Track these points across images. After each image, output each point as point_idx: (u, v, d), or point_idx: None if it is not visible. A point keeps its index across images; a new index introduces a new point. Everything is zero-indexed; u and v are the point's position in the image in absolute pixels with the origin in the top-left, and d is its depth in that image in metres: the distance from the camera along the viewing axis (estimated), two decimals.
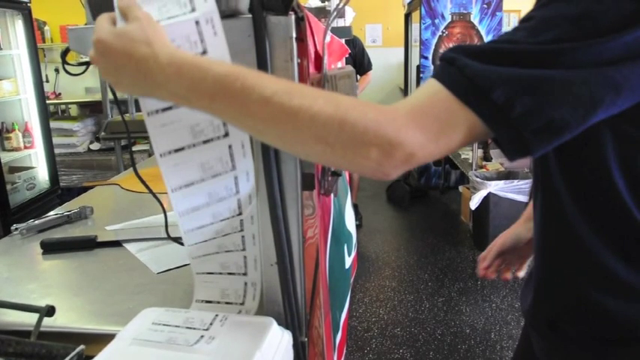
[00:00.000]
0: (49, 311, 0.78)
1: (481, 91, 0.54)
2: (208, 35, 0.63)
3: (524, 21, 0.59)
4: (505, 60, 0.55)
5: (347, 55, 1.60)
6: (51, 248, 1.20)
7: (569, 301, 0.75)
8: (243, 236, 0.74)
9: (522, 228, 1.06)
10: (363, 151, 0.53)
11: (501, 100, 0.53)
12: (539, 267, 0.81)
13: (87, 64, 0.90)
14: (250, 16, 0.68)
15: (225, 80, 0.55)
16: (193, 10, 0.63)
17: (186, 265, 0.97)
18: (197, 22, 0.62)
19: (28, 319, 0.77)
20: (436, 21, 5.16)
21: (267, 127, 0.56)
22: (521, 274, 1.09)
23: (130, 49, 0.58)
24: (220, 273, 0.77)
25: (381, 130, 0.53)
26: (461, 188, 4.44)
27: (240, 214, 0.73)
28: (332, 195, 1.03)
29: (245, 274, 0.76)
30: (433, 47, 5.24)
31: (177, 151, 0.69)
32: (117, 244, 1.21)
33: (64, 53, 0.85)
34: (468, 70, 0.55)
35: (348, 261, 1.28)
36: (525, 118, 0.53)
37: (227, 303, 0.76)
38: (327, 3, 2.61)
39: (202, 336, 0.68)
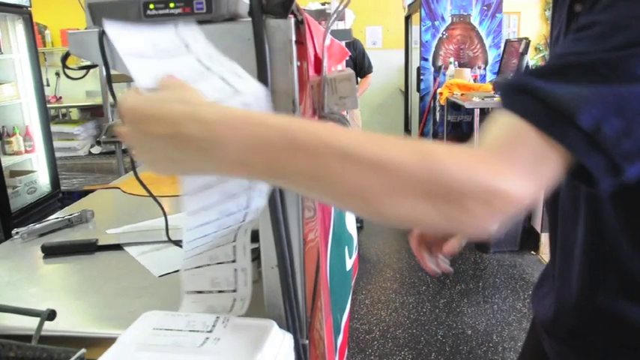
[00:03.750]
0: (50, 315, 0.78)
1: (563, 118, 0.47)
2: None
3: (582, 29, 0.54)
4: (580, 76, 0.49)
5: (347, 58, 1.60)
6: (52, 252, 1.20)
7: (596, 312, 0.75)
8: (234, 247, 0.74)
9: None
10: (461, 203, 0.46)
11: (587, 125, 0.47)
12: (563, 277, 0.80)
13: (87, 68, 0.90)
14: (250, 19, 0.68)
15: (291, 134, 0.47)
16: (237, 92, 0.57)
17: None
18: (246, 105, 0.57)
19: (29, 323, 0.77)
20: (436, 23, 5.17)
21: (348, 186, 0.47)
22: (451, 248, 0.99)
23: (161, 110, 0.50)
24: (211, 289, 0.76)
25: (479, 178, 0.46)
26: None
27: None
28: None
29: (234, 290, 0.75)
30: (433, 49, 5.25)
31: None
32: (118, 247, 1.21)
33: (65, 57, 0.85)
34: (544, 95, 0.49)
35: (349, 263, 1.28)
36: (616, 143, 0.47)
37: (219, 292, 0.76)
38: (327, 6, 2.62)
39: (207, 338, 0.68)
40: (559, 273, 0.82)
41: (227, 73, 0.60)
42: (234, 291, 0.74)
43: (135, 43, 0.60)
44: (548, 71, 0.52)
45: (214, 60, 0.62)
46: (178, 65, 0.60)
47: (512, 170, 0.47)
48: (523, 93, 0.50)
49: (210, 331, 0.69)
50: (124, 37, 0.60)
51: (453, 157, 0.46)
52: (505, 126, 0.50)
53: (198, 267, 0.74)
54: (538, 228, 3.67)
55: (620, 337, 0.73)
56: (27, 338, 0.74)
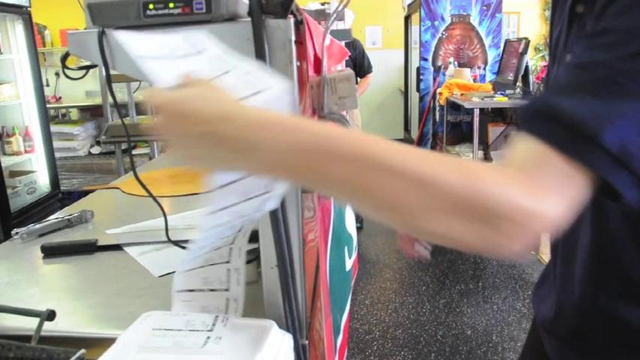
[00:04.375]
0: (50, 315, 0.78)
1: (587, 140, 0.47)
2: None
3: (595, 36, 0.53)
4: (599, 90, 0.49)
5: (347, 58, 1.60)
6: (51, 252, 1.20)
7: (597, 313, 0.75)
8: (231, 248, 0.73)
9: None
10: (497, 224, 0.45)
11: (611, 145, 0.47)
12: (564, 278, 0.80)
13: (86, 68, 0.90)
14: (249, 19, 0.68)
15: (331, 143, 0.47)
16: (259, 90, 0.56)
17: None
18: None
19: (29, 324, 0.77)
20: (436, 23, 5.17)
21: (387, 199, 0.47)
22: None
23: (196, 108, 0.50)
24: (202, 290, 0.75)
25: (517, 200, 0.46)
26: None
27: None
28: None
29: (227, 289, 0.74)
30: (433, 49, 5.25)
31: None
32: (117, 247, 1.21)
33: (64, 58, 0.85)
34: (566, 119, 0.48)
35: (349, 263, 1.28)
36: None
37: (211, 290, 0.75)
38: (326, 6, 2.62)
39: (209, 337, 0.68)
40: (560, 274, 0.82)
41: (247, 70, 0.59)
42: (227, 290, 0.74)
43: (147, 47, 0.59)
44: (567, 87, 0.51)
45: (231, 59, 0.61)
46: (196, 64, 0.59)
47: (545, 192, 0.47)
48: (546, 118, 0.50)
49: (211, 330, 0.69)
50: (134, 41, 0.60)
51: (492, 177, 0.46)
52: (531, 150, 0.49)
53: (192, 270, 0.74)
54: None
55: (621, 338, 0.73)
56: (27, 339, 0.74)
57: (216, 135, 0.49)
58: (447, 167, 0.46)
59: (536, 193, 0.46)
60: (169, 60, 0.59)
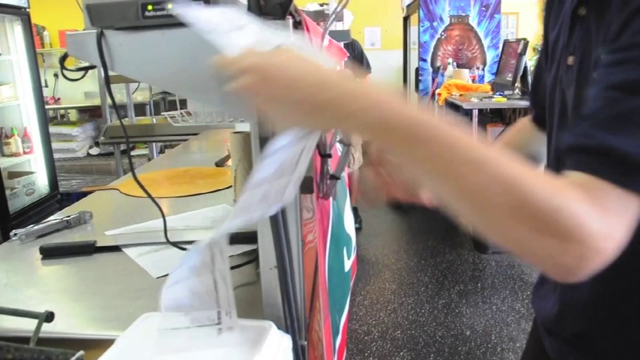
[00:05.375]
0: (48, 317, 0.78)
1: (638, 171, 0.50)
2: None
3: (618, 51, 0.56)
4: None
5: (346, 59, 1.60)
6: (50, 253, 1.19)
7: (607, 314, 0.75)
8: (213, 254, 0.71)
9: None
10: (571, 245, 0.46)
11: None
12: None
13: (85, 69, 0.90)
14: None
15: (420, 128, 0.49)
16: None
17: None
18: None
19: (27, 325, 0.77)
20: (434, 24, 5.17)
21: (467, 190, 0.48)
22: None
23: (290, 73, 0.52)
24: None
25: (596, 225, 0.47)
26: None
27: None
28: (331, 198, 1.03)
29: (216, 300, 0.72)
30: (432, 50, 5.26)
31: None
32: (116, 248, 1.21)
33: (63, 59, 0.85)
34: (618, 156, 0.50)
35: (348, 264, 1.28)
36: None
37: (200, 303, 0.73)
38: (325, 6, 2.62)
39: (220, 328, 0.68)
40: None
41: (285, 44, 0.60)
42: (217, 300, 0.72)
43: (214, 20, 0.60)
44: (610, 120, 0.52)
45: (268, 33, 0.61)
46: (254, 34, 0.60)
47: (613, 220, 0.48)
48: (598, 155, 0.51)
49: (219, 323, 0.69)
50: (199, 16, 0.60)
51: (574, 196, 0.47)
52: (588, 182, 0.50)
53: (177, 282, 0.69)
54: None
55: (629, 340, 0.73)
56: (25, 340, 0.73)
57: (314, 102, 0.51)
58: (535, 176, 0.47)
59: (607, 220, 0.48)
60: (234, 31, 0.59)
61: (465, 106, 4.17)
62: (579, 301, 0.78)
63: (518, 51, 3.97)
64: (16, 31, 3.73)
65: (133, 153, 4.94)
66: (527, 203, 0.46)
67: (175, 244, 1.10)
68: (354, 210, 4.12)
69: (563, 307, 0.81)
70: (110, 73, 0.76)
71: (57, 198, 4.10)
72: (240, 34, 0.59)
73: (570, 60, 0.72)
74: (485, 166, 0.47)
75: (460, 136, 0.48)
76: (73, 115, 5.78)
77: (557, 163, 0.78)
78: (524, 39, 4.04)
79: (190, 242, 1.17)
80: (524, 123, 1.02)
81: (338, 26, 2.93)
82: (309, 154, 0.62)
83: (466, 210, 0.51)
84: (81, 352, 0.67)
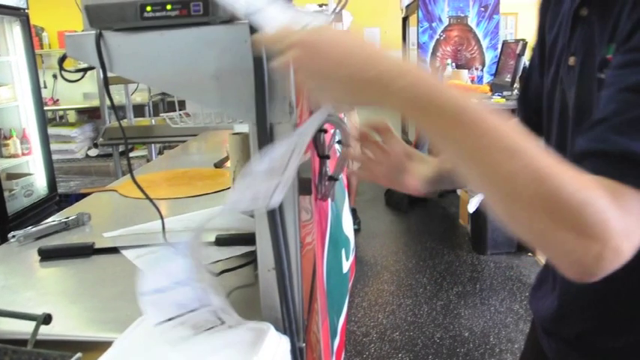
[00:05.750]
0: (46, 319, 0.77)
1: None
2: None
3: (631, 52, 0.56)
4: None
5: None
6: (48, 255, 1.19)
7: (606, 315, 0.74)
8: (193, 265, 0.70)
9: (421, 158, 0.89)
10: (589, 241, 0.47)
11: None
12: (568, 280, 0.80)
13: (84, 70, 0.90)
14: (247, 21, 0.68)
15: (462, 112, 0.49)
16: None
17: None
18: None
19: (25, 328, 0.76)
20: (433, 24, 5.18)
21: (498, 176, 0.49)
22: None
23: (339, 49, 0.53)
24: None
25: (617, 224, 0.47)
26: (459, 191, 4.44)
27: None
28: (329, 200, 1.03)
29: (209, 304, 0.71)
30: (431, 50, 5.26)
31: None
32: (114, 250, 1.21)
33: (62, 60, 0.85)
34: (635, 158, 0.51)
35: (346, 265, 1.28)
36: None
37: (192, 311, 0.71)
38: (324, 7, 2.62)
39: (223, 322, 0.68)
40: (566, 278, 0.80)
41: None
42: (209, 305, 0.71)
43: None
44: (625, 124, 0.53)
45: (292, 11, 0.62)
46: (287, 11, 0.61)
47: (632, 220, 0.49)
48: (616, 159, 0.51)
49: (222, 323, 0.69)
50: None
51: (601, 195, 0.48)
52: (607, 184, 0.50)
53: (158, 290, 0.69)
54: None
55: (632, 339, 0.72)
56: (23, 342, 0.73)
57: (361, 79, 0.52)
58: (565, 169, 0.48)
59: (627, 221, 0.48)
60: (269, 8, 0.60)
61: None
62: (581, 301, 0.78)
63: (517, 52, 3.97)
64: (14, 32, 3.73)
65: (131, 154, 4.94)
66: (556, 195, 0.47)
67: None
68: (353, 211, 4.12)
69: (564, 307, 0.81)
70: (109, 74, 0.76)
71: (55, 199, 4.09)
72: (276, 11, 0.60)
73: (571, 60, 0.72)
74: (519, 154, 0.48)
75: (498, 123, 0.49)
76: (71, 117, 5.78)
77: None
78: (523, 40, 4.04)
79: None
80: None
81: (337, 27, 2.93)
82: (299, 156, 0.62)
83: (494, 196, 0.51)
84: (79, 355, 0.67)
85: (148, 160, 4.28)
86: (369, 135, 0.85)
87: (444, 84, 0.51)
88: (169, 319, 0.67)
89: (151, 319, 0.66)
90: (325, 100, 0.57)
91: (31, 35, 3.83)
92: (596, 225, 0.47)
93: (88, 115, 5.47)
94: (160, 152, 4.47)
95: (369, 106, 0.54)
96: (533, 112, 0.86)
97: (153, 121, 4.19)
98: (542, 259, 3.54)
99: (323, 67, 0.54)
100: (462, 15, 5.16)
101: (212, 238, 1.21)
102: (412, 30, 5.75)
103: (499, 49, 4.79)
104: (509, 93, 4.02)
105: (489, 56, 5.25)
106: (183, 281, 0.68)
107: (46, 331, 0.78)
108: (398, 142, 0.85)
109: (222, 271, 1.01)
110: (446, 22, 5.17)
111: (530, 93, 0.89)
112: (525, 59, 3.97)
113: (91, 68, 0.85)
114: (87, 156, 5.03)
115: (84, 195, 1.81)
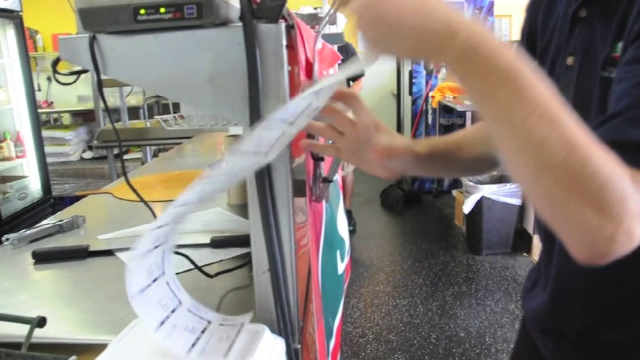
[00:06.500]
0: (40, 322, 0.77)
1: None
2: None
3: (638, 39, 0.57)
4: None
5: (339, 62, 1.61)
6: (43, 258, 1.19)
7: (606, 310, 0.74)
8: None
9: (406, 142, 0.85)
10: (605, 219, 0.48)
11: None
12: (570, 274, 0.79)
13: (78, 73, 0.90)
14: (241, 24, 0.68)
15: (517, 76, 0.50)
16: None
17: (177, 273, 0.96)
18: None
19: (19, 331, 0.76)
20: None
21: (533, 140, 0.49)
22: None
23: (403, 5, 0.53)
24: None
25: (636, 207, 0.48)
26: (454, 192, 4.45)
27: None
28: (324, 201, 1.03)
29: (180, 303, 0.70)
30: None
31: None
32: (109, 253, 1.20)
33: (55, 63, 0.85)
34: None
35: (341, 267, 1.28)
36: None
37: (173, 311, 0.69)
38: (318, 10, 2.63)
39: (198, 338, 0.68)
40: (563, 269, 0.80)
41: None
42: (180, 303, 0.70)
43: None
44: (636, 115, 0.54)
45: None
46: None
47: None
48: (631, 149, 0.52)
49: (203, 332, 0.69)
50: None
51: (625, 179, 0.48)
52: (633, 174, 0.51)
53: (143, 290, 0.66)
54: (530, 230, 3.69)
55: (634, 334, 0.72)
56: (17, 346, 0.73)
57: (429, 30, 0.52)
58: (597, 146, 0.48)
59: None
60: None
61: (459, 108, 4.19)
62: (579, 296, 0.77)
63: None
64: (8, 35, 3.72)
65: (126, 157, 4.93)
66: (584, 166, 0.47)
67: None
68: (348, 213, 4.13)
69: (561, 305, 0.81)
70: (103, 76, 0.76)
71: (50, 202, 4.08)
72: None
73: (570, 60, 0.73)
74: (556, 122, 0.48)
75: (544, 90, 0.50)
76: (66, 119, 5.76)
77: None
78: (517, 41, 4.06)
79: (184, 246, 1.17)
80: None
81: (332, 29, 2.93)
82: (312, 115, 0.63)
83: (523, 161, 0.51)
84: (73, 358, 0.67)
85: (143, 163, 4.27)
86: (333, 106, 0.82)
87: (502, 42, 0.52)
88: (162, 323, 0.66)
89: (147, 322, 0.65)
90: (381, 50, 0.57)
91: (25, 38, 3.82)
92: (614, 204, 0.47)
93: (83, 117, 5.45)
94: (155, 155, 4.46)
95: (423, 58, 0.55)
96: None
97: (147, 123, 4.18)
98: (536, 259, 3.56)
99: (393, 16, 0.53)
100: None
101: (207, 240, 1.21)
102: None
103: None
104: None
105: None
106: (158, 277, 0.68)
107: (40, 334, 0.78)
108: (367, 112, 0.82)
109: (217, 273, 1.01)
110: None
111: None
112: None
113: (84, 71, 0.85)
114: (81, 158, 5.01)
115: (78, 197, 1.81)
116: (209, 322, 0.71)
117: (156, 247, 0.66)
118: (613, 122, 0.56)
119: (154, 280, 0.67)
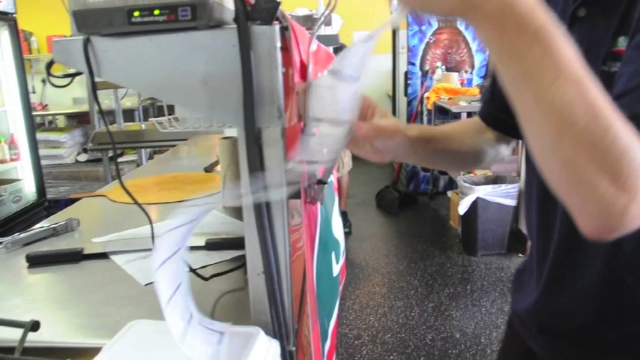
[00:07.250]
0: (34, 326, 0.77)
1: None
2: None
3: None
4: None
5: None
6: (37, 262, 1.18)
7: (606, 305, 0.74)
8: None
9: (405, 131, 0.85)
10: (618, 190, 0.48)
11: None
12: (570, 271, 0.79)
13: (72, 75, 0.89)
14: (235, 26, 0.68)
15: (545, 34, 0.49)
16: None
17: None
18: None
19: (13, 335, 0.76)
20: (423, 28, 5.20)
21: (555, 107, 0.49)
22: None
23: None
24: None
25: None
26: (449, 193, 4.46)
27: None
28: (318, 203, 1.03)
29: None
30: (420, 54, 5.28)
31: None
32: (104, 256, 1.20)
33: (49, 65, 0.84)
34: None
35: (336, 269, 1.28)
36: None
37: None
38: (314, 11, 2.62)
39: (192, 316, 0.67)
40: (563, 267, 0.80)
41: None
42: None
43: None
44: None
45: None
46: None
47: None
48: None
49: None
50: None
51: None
52: None
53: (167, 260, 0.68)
54: (525, 230, 3.69)
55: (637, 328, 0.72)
56: (10, 350, 0.73)
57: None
58: (618, 116, 0.48)
59: None
60: None
61: (454, 109, 4.20)
62: (587, 289, 0.77)
63: None
64: (2, 37, 3.70)
65: (122, 159, 4.92)
66: (605, 133, 0.47)
67: None
68: (344, 214, 4.13)
69: (562, 302, 0.80)
70: (97, 79, 0.76)
71: (44, 205, 4.06)
72: None
73: None
74: (581, 87, 0.48)
75: (573, 55, 0.49)
76: (61, 122, 5.75)
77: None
78: None
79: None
80: (475, 121, 1.01)
81: (327, 30, 2.93)
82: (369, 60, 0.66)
83: (544, 123, 0.51)
84: None
85: (138, 165, 4.26)
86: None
87: (537, 1, 0.51)
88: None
89: (161, 293, 0.65)
90: (418, 6, 0.57)
91: (19, 40, 3.80)
92: (630, 175, 0.47)
93: (78, 120, 5.44)
94: (150, 157, 4.45)
95: (458, 14, 0.54)
96: (502, 111, 0.87)
97: (143, 125, 4.17)
98: None
99: None
100: (452, 18, 5.19)
101: (202, 243, 1.21)
102: (402, 33, 5.78)
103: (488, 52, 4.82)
104: None
105: (479, 59, 5.29)
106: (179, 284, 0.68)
107: (34, 338, 0.77)
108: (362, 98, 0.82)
109: (212, 276, 1.00)
110: (435, 25, 5.20)
111: (500, 92, 0.89)
112: None
113: (79, 74, 0.85)
114: (76, 161, 5.00)
115: (73, 200, 1.80)
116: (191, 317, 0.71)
117: (175, 252, 0.66)
118: (625, 99, 0.56)
119: (177, 289, 0.67)
